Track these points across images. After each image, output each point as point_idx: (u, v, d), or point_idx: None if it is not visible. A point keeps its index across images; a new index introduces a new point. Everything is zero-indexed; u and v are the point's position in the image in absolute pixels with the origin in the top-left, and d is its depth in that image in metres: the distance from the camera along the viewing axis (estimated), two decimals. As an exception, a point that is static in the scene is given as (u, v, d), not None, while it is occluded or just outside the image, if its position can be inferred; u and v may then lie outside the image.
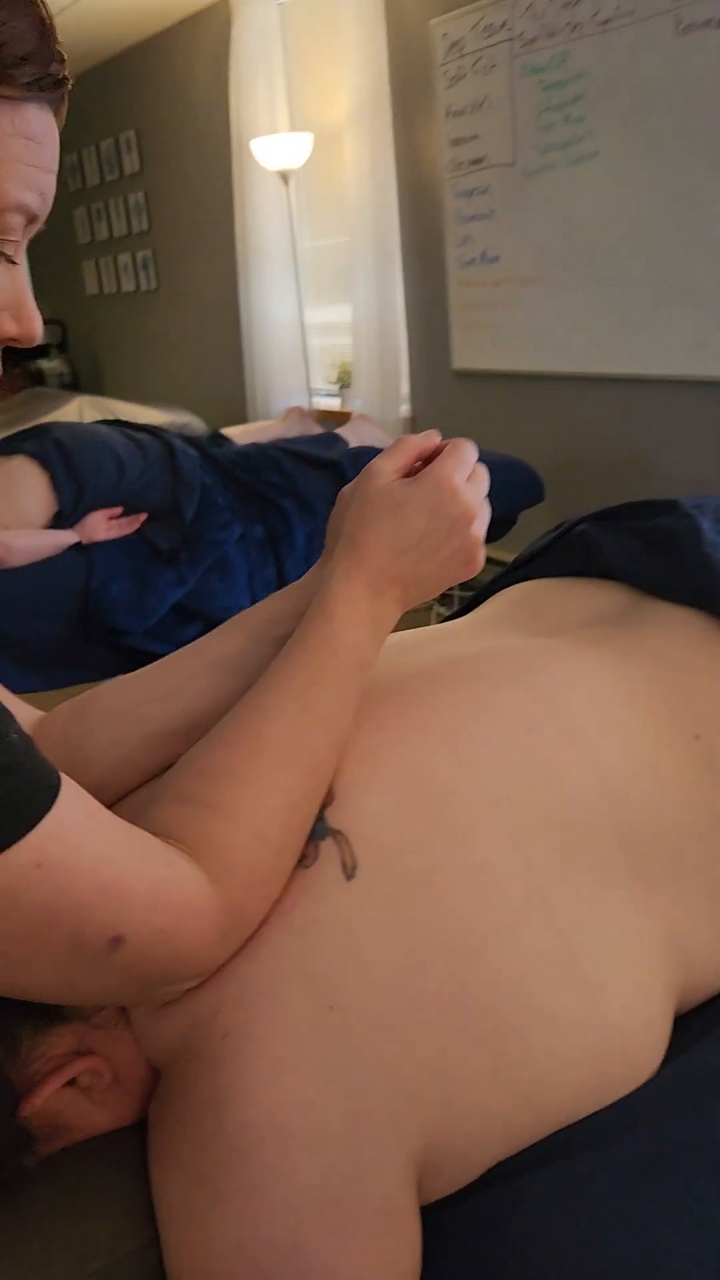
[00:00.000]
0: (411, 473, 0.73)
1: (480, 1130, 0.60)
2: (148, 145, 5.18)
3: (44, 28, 0.52)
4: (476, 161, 3.30)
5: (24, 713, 0.79)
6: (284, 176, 3.79)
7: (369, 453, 2.68)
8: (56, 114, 0.56)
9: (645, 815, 0.70)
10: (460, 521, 0.70)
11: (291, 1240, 0.54)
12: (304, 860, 0.64)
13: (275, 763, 0.62)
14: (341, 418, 3.78)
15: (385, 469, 0.72)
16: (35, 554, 2.32)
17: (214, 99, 4.50)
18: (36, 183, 0.55)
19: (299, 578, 0.77)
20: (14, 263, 0.58)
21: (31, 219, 0.57)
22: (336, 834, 0.65)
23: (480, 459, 0.75)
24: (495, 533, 2.63)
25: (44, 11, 0.53)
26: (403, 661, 0.78)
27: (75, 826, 0.53)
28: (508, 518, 2.72)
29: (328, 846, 0.64)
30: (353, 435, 2.87)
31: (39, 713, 0.81)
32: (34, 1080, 0.61)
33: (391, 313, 3.78)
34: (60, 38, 0.54)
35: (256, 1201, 0.55)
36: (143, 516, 2.47)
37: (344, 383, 4.22)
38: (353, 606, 0.68)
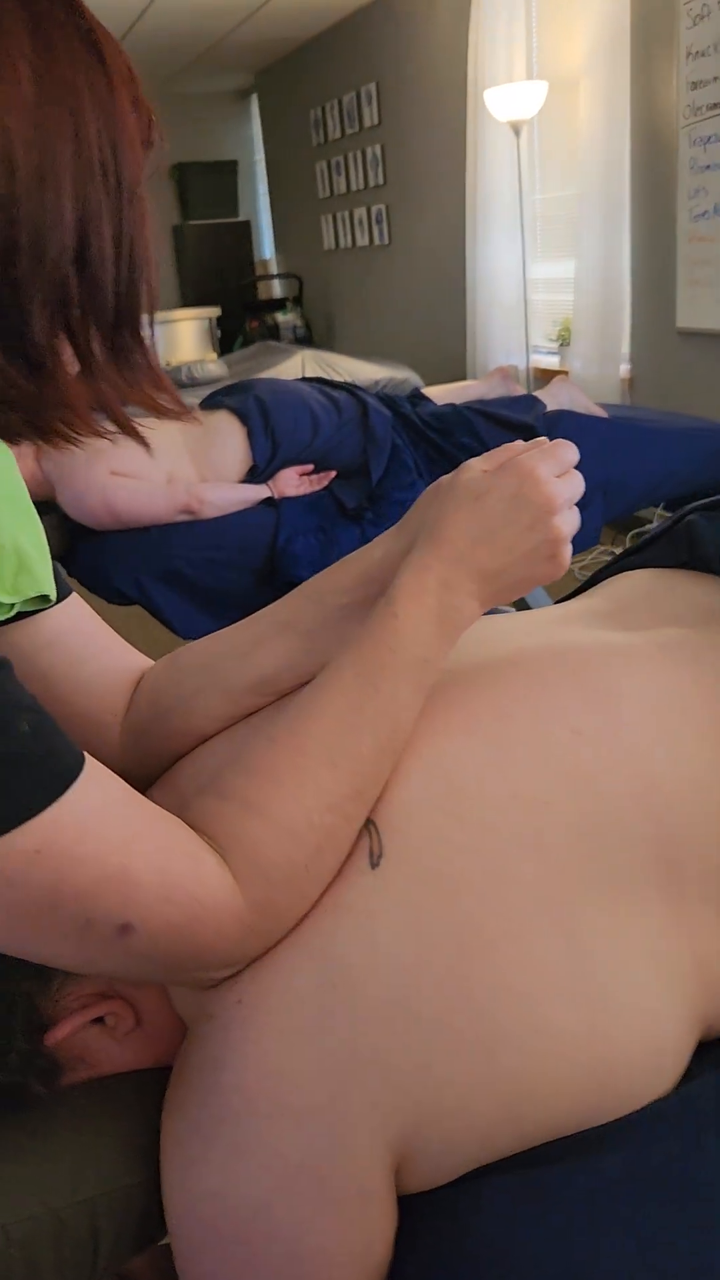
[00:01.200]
0: None
1: (459, 1134, 0.60)
2: (387, 98, 5.18)
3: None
4: (716, 105, 3.09)
5: (130, 660, 0.85)
6: (515, 128, 3.70)
7: (566, 416, 2.60)
8: None
9: (685, 833, 0.67)
10: (543, 512, 0.68)
11: (264, 1201, 0.58)
12: None
13: (316, 761, 0.62)
14: (558, 376, 3.69)
15: (475, 466, 0.72)
16: (228, 507, 2.42)
17: (453, 48, 4.43)
18: None
19: None
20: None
21: None
22: (369, 823, 0.65)
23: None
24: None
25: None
26: (461, 651, 0.77)
27: (87, 813, 0.54)
28: None
29: (360, 834, 0.65)
30: (552, 399, 2.79)
31: (145, 663, 0.87)
32: (62, 1014, 0.67)
33: (616, 268, 3.63)
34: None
35: (238, 1159, 0.58)
36: (332, 474, 2.53)
37: (564, 340, 4.11)
38: (419, 602, 0.67)
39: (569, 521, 0.70)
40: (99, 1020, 0.69)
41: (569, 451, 0.72)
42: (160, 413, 0.65)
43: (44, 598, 0.76)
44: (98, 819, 0.55)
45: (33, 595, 0.74)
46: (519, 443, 0.73)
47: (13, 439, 0.61)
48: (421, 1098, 0.60)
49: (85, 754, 0.57)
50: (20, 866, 0.52)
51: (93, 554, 2.40)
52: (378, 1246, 0.60)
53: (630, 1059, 0.62)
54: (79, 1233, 0.64)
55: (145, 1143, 0.66)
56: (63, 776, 0.54)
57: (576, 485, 0.71)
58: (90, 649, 0.81)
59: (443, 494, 0.71)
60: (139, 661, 0.86)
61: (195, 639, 0.86)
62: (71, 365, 0.61)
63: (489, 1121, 0.60)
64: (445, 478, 0.74)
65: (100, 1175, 0.65)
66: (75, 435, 0.63)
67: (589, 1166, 0.59)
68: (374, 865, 0.64)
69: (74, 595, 0.82)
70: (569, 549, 0.70)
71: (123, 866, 0.55)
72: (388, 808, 0.65)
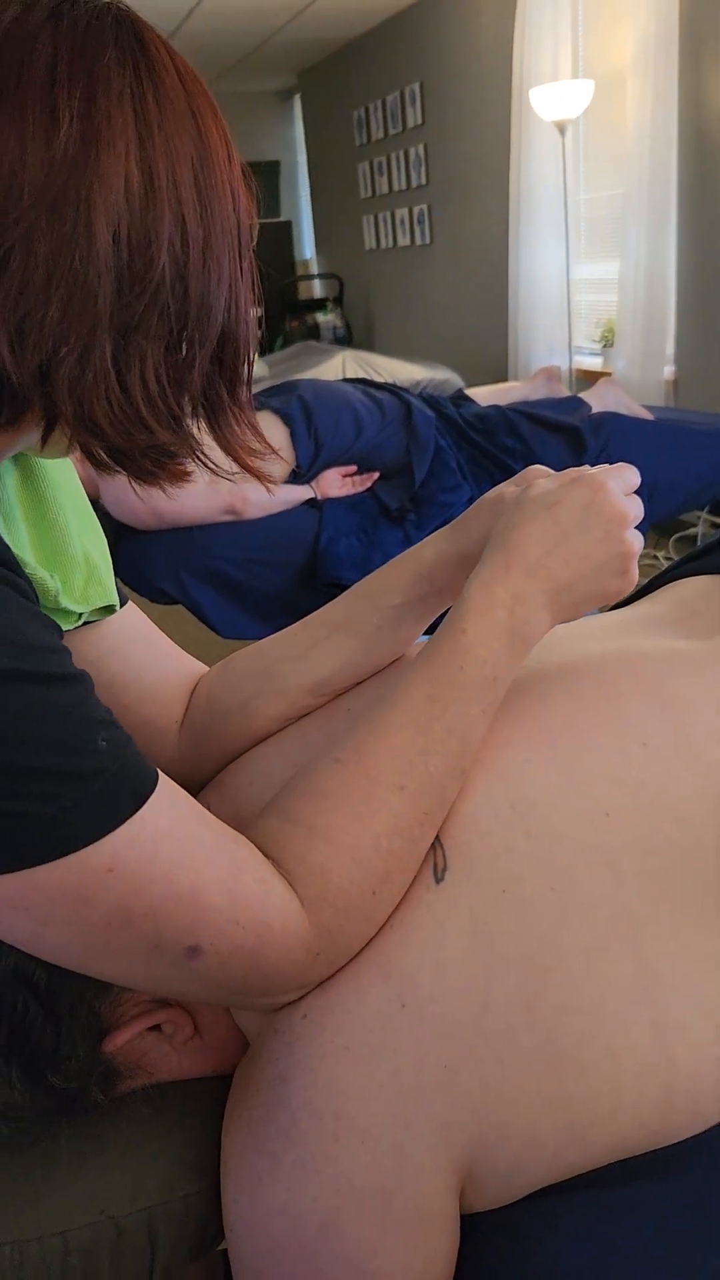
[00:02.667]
0: None
1: (524, 1154, 0.59)
2: (430, 97, 5.17)
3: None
4: (767, 104, 3.05)
5: (187, 665, 0.86)
6: (560, 127, 3.67)
7: (611, 419, 2.58)
8: None
9: None
10: (614, 525, 0.68)
11: (330, 1219, 0.57)
12: None
13: (384, 785, 0.61)
14: (603, 378, 3.66)
15: (542, 480, 0.73)
16: (271, 507, 2.42)
17: (498, 47, 4.41)
18: None
19: None
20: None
21: None
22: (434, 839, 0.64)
23: None
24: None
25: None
26: (529, 659, 0.76)
27: (159, 834, 0.54)
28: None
29: None
30: (597, 400, 2.77)
31: (200, 668, 0.88)
32: (121, 1021, 0.67)
33: (661, 268, 3.60)
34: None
35: (305, 1176, 0.58)
36: (375, 475, 2.52)
37: (607, 341, 4.07)
38: (489, 618, 0.66)
39: (638, 542, 0.70)
40: (157, 1028, 0.68)
41: (633, 474, 0.72)
42: (248, 465, 0.66)
43: (109, 607, 0.76)
44: (170, 838, 0.55)
45: (100, 605, 0.74)
46: (584, 468, 0.74)
47: (143, 480, 0.62)
48: (488, 1119, 0.59)
49: (158, 771, 0.57)
50: (93, 885, 0.51)
51: (135, 553, 2.41)
52: (439, 1265, 0.59)
53: (695, 1082, 0.61)
54: (137, 1241, 0.63)
55: (203, 1152, 0.66)
56: (138, 794, 0.54)
57: (640, 508, 0.71)
58: (152, 656, 0.83)
59: (511, 506, 0.71)
60: (195, 667, 0.87)
61: (236, 638, 0.88)
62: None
63: (555, 1143, 0.59)
64: (508, 490, 0.74)
65: (159, 1184, 0.65)
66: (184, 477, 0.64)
67: (656, 1189, 0.58)
68: (438, 880, 0.63)
69: (131, 603, 0.82)
70: (637, 566, 0.70)
71: (193, 887, 0.54)
72: (451, 821, 0.64)
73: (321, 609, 0.82)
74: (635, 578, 0.70)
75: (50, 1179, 0.64)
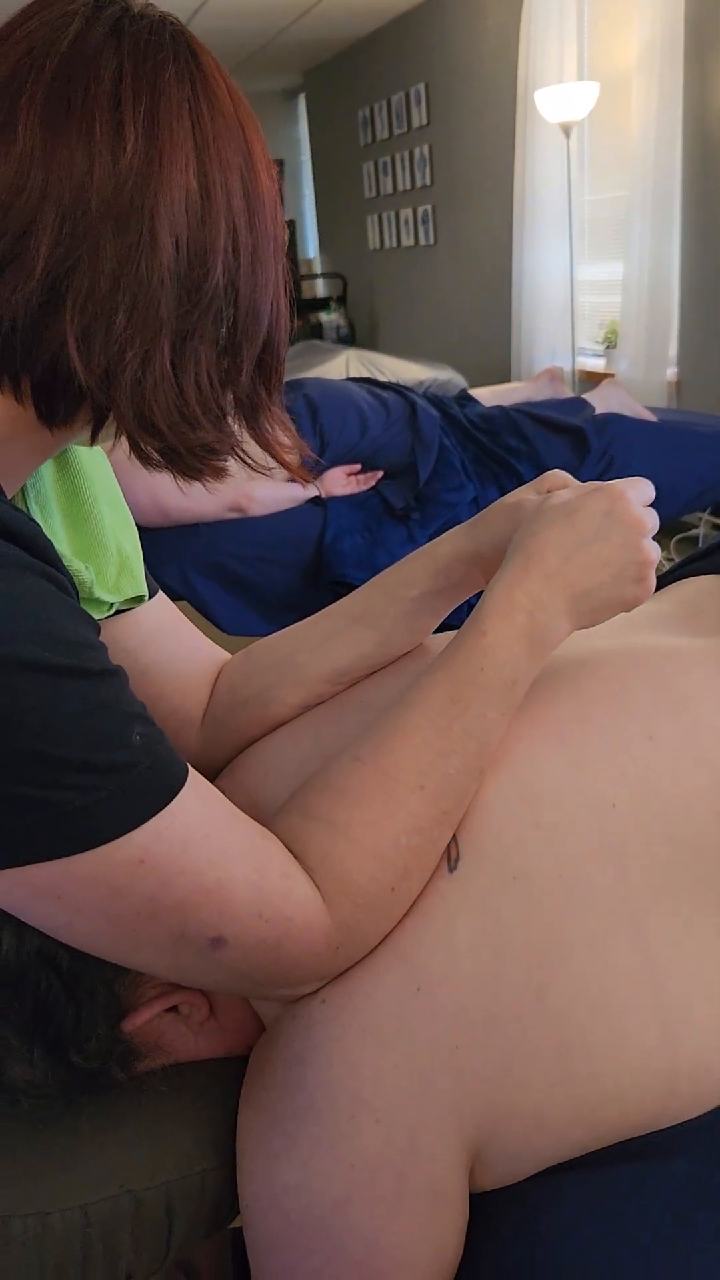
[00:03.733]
0: None
1: (533, 1134, 0.61)
2: (436, 98, 5.18)
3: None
4: (771, 108, 3.07)
5: (213, 655, 0.88)
6: (565, 129, 3.69)
7: (614, 420, 2.60)
8: None
9: None
10: (633, 533, 0.69)
11: (344, 1196, 0.59)
12: None
13: (403, 785, 0.63)
14: (607, 379, 3.68)
15: (560, 490, 0.74)
16: (276, 505, 2.44)
17: (504, 48, 4.43)
18: None
19: None
20: None
21: None
22: None
23: None
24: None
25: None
26: None
27: (188, 828, 0.55)
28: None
29: None
30: (600, 401, 2.79)
31: (224, 656, 0.90)
32: (139, 1002, 0.68)
33: (665, 270, 3.61)
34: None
35: (321, 1154, 0.60)
36: (379, 474, 2.54)
37: (610, 343, 4.09)
38: (509, 621, 0.67)
39: (654, 549, 0.71)
40: (174, 1010, 0.70)
41: (649, 488, 0.73)
42: (284, 460, 0.68)
43: (139, 596, 0.78)
44: (199, 832, 0.56)
45: (131, 595, 0.76)
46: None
47: (193, 475, 0.65)
48: (497, 1100, 0.60)
49: (188, 765, 0.58)
50: (125, 876, 0.53)
51: (142, 550, 2.42)
52: (450, 1243, 0.61)
53: (698, 1065, 0.62)
54: (155, 1215, 0.65)
55: (220, 1130, 0.67)
56: (169, 787, 0.55)
57: (656, 519, 0.72)
58: (183, 646, 0.85)
59: (531, 513, 0.72)
60: (219, 655, 0.89)
61: (241, 635, 0.90)
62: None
63: (563, 1123, 0.61)
64: (528, 497, 0.75)
65: (177, 1160, 0.66)
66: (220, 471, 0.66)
67: (659, 1169, 0.60)
68: (452, 869, 0.64)
69: (160, 593, 0.84)
70: (654, 575, 0.71)
71: (219, 880, 0.56)
72: (465, 813, 0.66)
73: (339, 602, 0.84)
74: (652, 586, 0.71)
75: (72, 1154, 0.66)
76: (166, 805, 0.54)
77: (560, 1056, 0.61)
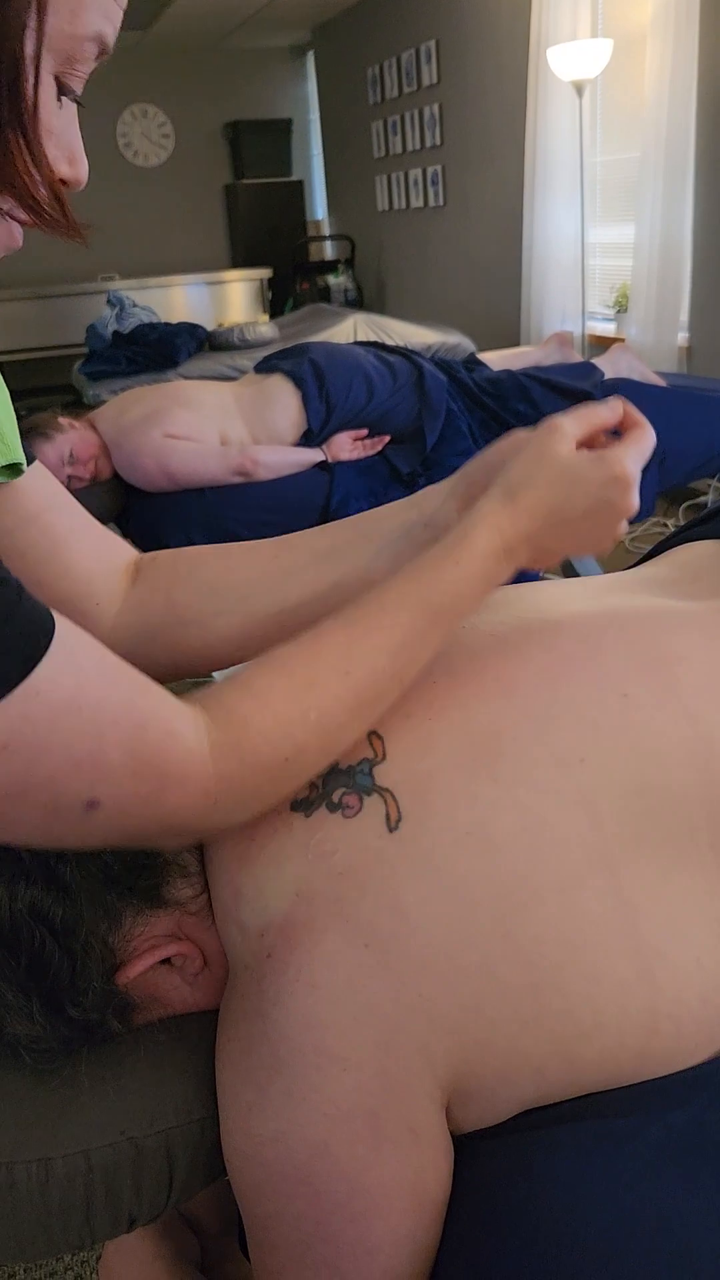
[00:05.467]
0: (591, 444, 0.73)
1: (511, 1069, 0.62)
2: (446, 56, 5.10)
3: None
4: (787, 66, 3.01)
5: (117, 547, 0.82)
6: (578, 87, 3.63)
7: (624, 385, 2.58)
8: None
9: None
10: (619, 514, 0.70)
11: (322, 1143, 0.60)
12: (346, 810, 0.67)
13: (328, 666, 0.63)
14: (617, 343, 3.65)
15: (570, 433, 0.71)
16: (282, 469, 2.44)
17: (516, 4, 4.35)
18: (113, 14, 0.56)
19: None
20: (78, 101, 0.57)
21: (101, 52, 0.57)
22: (384, 791, 0.67)
23: None
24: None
25: None
26: (513, 617, 0.78)
27: (59, 704, 0.52)
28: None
29: (373, 801, 0.66)
30: (610, 366, 2.76)
31: (133, 553, 0.84)
32: (133, 955, 0.69)
33: (677, 233, 3.57)
34: None
35: (293, 1104, 0.61)
36: (386, 438, 2.53)
37: (621, 306, 4.05)
38: (482, 562, 0.68)
39: (631, 513, 0.72)
40: (169, 961, 0.71)
41: (652, 441, 0.72)
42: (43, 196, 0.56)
43: (14, 467, 0.72)
44: (70, 708, 0.53)
45: (3, 465, 0.70)
46: (603, 409, 0.73)
47: None
48: (470, 1039, 0.62)
49: (56, 618, 0.54)
50: None
51: (147, 514, 2.43)
52: (431, 1182, 0.62)
53: (679, 1006, 0.63)
54: (156, 1161, 0.67)
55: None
56: (29, 654, 0.51)
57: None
58: (73, 529, 0.78)
59: (534, 458, 0.70)
60: (125, 550, 0.83)
61: None
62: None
63: (540, 1058, 0.62)
64: (539, 437, 0.72)
65: (176, 1108, 0.68)
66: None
67: (656, 1119, 0.61)
68: (392, 829, 0.65)
69: (45, 470, 0.78)
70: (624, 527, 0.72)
71: (90, 751, 0.53)
72: (407, 775, 0.67)
73: (303, 534, 0.80)
74: (610, 549, 0.72)
75: (73, 1102, 0.67)
76: (30, 673, 0.51)
77: (533, 994, 0.62)
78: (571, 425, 0.71)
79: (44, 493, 0.76)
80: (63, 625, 0.55)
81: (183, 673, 0.80)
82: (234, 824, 0.64)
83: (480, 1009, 0.62)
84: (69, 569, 0.77)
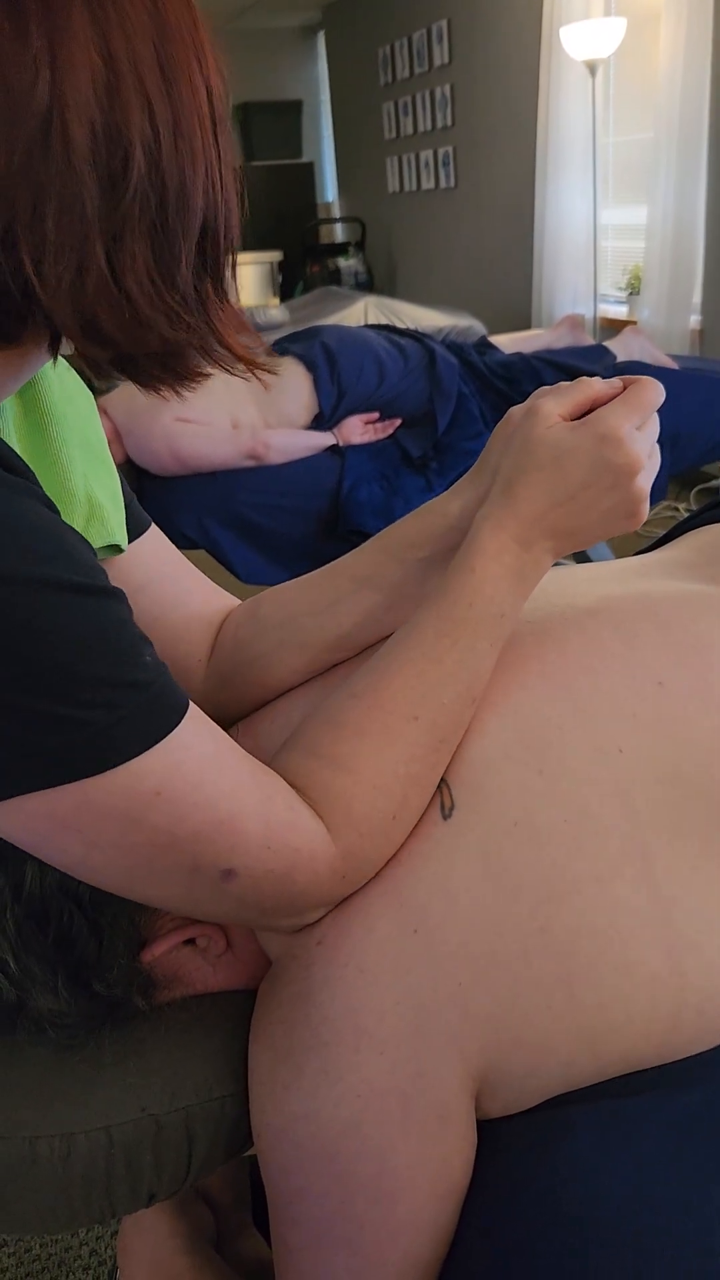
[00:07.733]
0: (579, 416, 0.70)
1: (539, 1063, 0.63)
2: (458, 35, 5.06)
3: None
4: None
5: (216, 602, 0.87)
6: (591, 67, 3.60)
7: (637, 368, 2.57)
8: None
9: None
10: (624, 474, 0.67)
11: (353, 1122, 0.61)
12: None
13: (398, 717, 0.64)
14: (628, 327, 3.63)
15: (551, 411, 0.69)
16: (293, 453, 2.43)
17: (528, -17, 4.31)
18: None
19: None
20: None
21: None
22: (440, 780, 0.67)
23: None
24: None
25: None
26: (547, 603, 0.78)
27: (203, 758, 0.56)
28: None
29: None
30: (622, 349, 2.75)
31: (230, 602, 0.88)
32: (158, 934, 0.70)
33: (690, 215, 3.54)
34: None
35: (329, 1083, 0.62)
36: (397, 422, 2.52)
37: (633, 289, 4.03)
38: (497, 561, 0.68)
39: (649, 474, 0.69)
40: (192, 942, 0.72)
41: (651, 393, 0.69)
42: (244, 357, 0.63)
43: (112, 546, 0.76)
44: (212, 765, 0.57)
45: (101, 545, 0.74)
46: (596, 381, 0.71)
47: (150, 386, 0.61)
48: (502, 1031, 0.62)
49: (187, 695, 0.59)
50: (141, 807, 0.54)
51: (158, 498, 2.43)
52: (456, 1165, 0.63)
53: (705, 997, 0.64)
54: (176, 1138, 0.68)
55: (237, 1059, 0.69)
56: (176, 709, 0.56)
57: (655, 431, 0.70)
58: (180, 593, 0.83)
59: (518, 446, 0.69)
60: (224, 602, 0.87)
61: (257, 584, 0.87)
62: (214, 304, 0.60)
63: (569, 1052, 0.63)
64: (519, 417, 0.71)
65: (196, 1086, 0.68)
66: (205, 371, 0.62)
67: (672, 1099, 0.62)
68: (445, 817, 0.66)
69: (160, 535, 0.82)
70: (647, 505, 0.69)
71: (231, 813, 0.57)
72: (461, 763, 0.68)
73: (345, 559, 0.81)
74: (645, 516, 0.69)
75: (95, 1079, 0.68)
76: (177, 726, 0.55)
77: (566, 988, 0.62)
78: (553, 403, 0.70)
79: (154, 562, 0.82)
80: (190, 699, 0.58)
81: (246, 711, 0.83)
82: (352, 891, 0.66)
83: (515, 1001, 0.62)
84: (175, 631, 0.83)
